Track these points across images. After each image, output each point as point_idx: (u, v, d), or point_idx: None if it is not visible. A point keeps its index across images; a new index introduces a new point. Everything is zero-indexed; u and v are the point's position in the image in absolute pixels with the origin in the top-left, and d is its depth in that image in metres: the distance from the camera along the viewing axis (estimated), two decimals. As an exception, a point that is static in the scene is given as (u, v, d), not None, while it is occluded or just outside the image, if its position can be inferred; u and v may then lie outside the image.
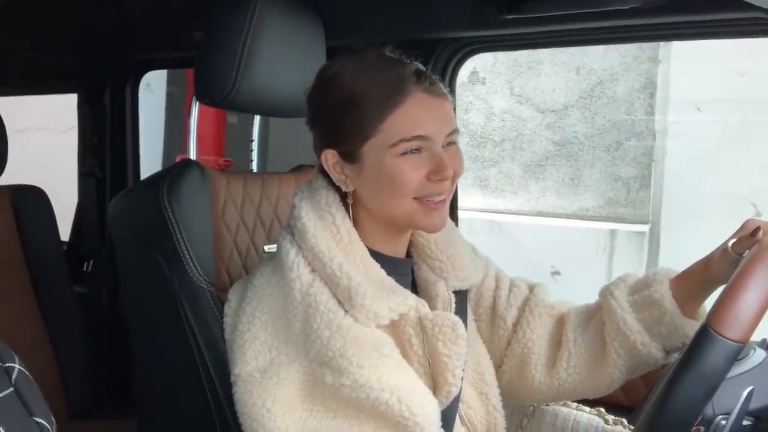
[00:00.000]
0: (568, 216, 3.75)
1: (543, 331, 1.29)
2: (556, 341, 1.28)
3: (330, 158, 1.13)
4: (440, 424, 1.09)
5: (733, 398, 1.00)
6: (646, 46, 3.51)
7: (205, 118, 3.65)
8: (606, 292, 1.25)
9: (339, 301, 1.08)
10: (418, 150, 1.09)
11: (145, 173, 2.24)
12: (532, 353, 1.28)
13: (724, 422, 1.01)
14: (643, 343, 1.19)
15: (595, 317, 1.26)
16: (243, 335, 1.13)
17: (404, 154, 1.09)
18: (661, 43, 3.43)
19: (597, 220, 3.69)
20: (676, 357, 1.20)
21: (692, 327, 1.16)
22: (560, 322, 1.29)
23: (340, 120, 1.11)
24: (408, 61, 1.13)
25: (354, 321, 1.07)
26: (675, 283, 1.20)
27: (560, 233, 3.71)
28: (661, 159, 3.59)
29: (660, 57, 3.56)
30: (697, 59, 3.35)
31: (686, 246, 2.85)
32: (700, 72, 3.39)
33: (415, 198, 1.10)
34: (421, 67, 1.13)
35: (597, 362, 1.24)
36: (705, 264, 1.17)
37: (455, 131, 1.13)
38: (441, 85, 1.14)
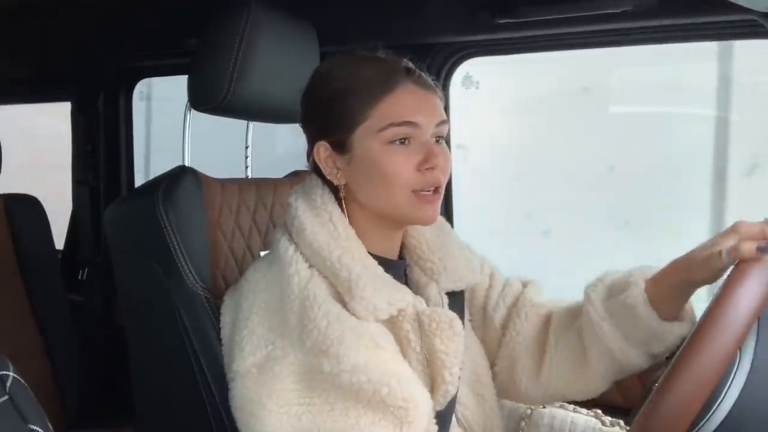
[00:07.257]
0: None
1: (529, 333, 1.27)
2: (541, 345, 1.27)
3: (322, 151, 1.14)
4: (433, 414, 1.09)
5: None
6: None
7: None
8: (585, 295, 1.20)
9: (338, 297, 1.08)
10: (406, 140, 1.10)
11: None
12: (520, 356, 1.27)
13: None
14: (621, 350, 1.15)
15: (578, 320, 1.23)
16: (241, 332, 1.12)
17: (393, 142, 1.09)
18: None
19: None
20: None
21: (671, 331, 1.11)
22: (547, 322, 1.28)
23: (332, 109, 1.12)
24: (398, 58, 1.15)
25: (351, 316, 1.07)
26: (650, 284, 1.13)
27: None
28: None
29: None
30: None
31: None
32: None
33: (411, 191, 1.10)
34: (410, 63, 1.15)
35: (580, 366, 1.22)
36: (684, 266, 1.08)
37: (444, 122, 1.14)
38: (429, 79, 1.15)
